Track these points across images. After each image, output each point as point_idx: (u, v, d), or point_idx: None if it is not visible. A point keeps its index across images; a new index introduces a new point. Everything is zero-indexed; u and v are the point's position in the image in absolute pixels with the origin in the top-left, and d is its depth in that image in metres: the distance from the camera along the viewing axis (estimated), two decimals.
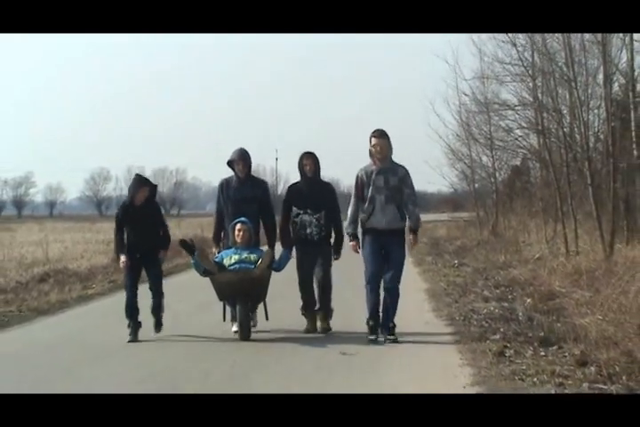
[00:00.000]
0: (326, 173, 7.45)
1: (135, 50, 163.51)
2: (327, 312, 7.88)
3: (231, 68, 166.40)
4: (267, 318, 7.76)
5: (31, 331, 8.67)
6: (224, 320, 7.77)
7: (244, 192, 7.89)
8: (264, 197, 8.08)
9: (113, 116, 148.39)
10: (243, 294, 7.45)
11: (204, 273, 7.61)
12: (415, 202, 7.47)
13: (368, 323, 7.34)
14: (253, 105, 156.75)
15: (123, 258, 7.68)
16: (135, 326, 7.56)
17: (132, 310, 7.60)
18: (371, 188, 7.34)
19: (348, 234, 7.60)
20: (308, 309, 7.95)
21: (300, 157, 7.92)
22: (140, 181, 7.88)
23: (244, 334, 7.44)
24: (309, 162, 7.88)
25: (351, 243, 7.54)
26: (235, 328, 7.74)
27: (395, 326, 7.35)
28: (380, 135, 7.40)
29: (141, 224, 7.70)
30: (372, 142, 7.37)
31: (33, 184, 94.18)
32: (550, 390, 5.14)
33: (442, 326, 8.02)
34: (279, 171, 77.29)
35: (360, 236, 7.53)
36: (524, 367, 5.83)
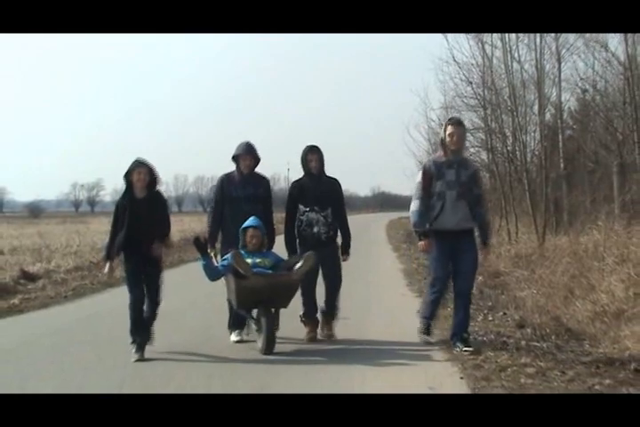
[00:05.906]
0: None
1: (184, 73, 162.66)
2: (333, 315, 5.77)
3: (251, 93, 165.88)
4: (277, 328, 5.35)
5: (101, 299, 8.73)
6: (229, 328, 5.72)
7: (247, 190, 5.67)
8: (267, 195, 5.84)
9: (164, 133, 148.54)
10: (268, 301, 5.23)
11: (216, 277, 5.46)
12: (486, 206, 5.35)
13: (427, 323, 5.44)
14: (269, 121, 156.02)
15: (108, 266, 5.47)
16: (141, 342, 5.22)
17: (137, 327, 5.24)
18: (440, 182, 5.16)
19: (417, 233, 5.30)
20: (309, 315, 5.74)
21: (304, 151, 5.71)
22: (135, 162, 5.25)
23: (269, 348, 5.13)
24: (314, 157, 5.69)
25: (421, 242, 5.26)
26: (234, 337, 5.64)
27: (469, 335, 5.26)
28: (458, 123, 5.29)
29: (143, 221, 5.15)
30: (448, 131, 5.19)
31: (102, 187, 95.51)
32: (496, 344, 5.12)
33: (413, 298, 7.97)
34: (291, 180, 76.93)
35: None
36: (476, 329, 5.79)
